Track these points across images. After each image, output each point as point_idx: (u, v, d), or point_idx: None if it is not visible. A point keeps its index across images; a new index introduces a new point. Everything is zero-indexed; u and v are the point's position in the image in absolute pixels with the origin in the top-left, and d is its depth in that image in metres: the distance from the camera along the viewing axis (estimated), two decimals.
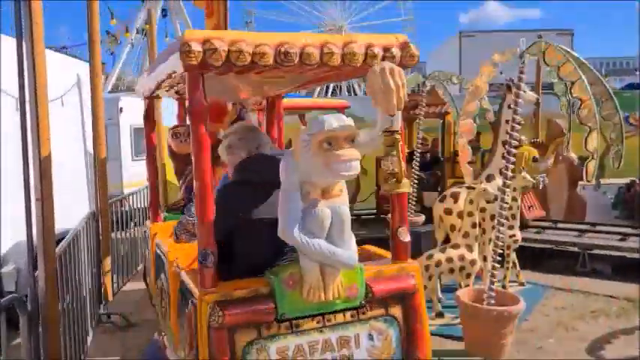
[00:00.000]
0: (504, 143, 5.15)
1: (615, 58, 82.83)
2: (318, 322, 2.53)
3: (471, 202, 5.41)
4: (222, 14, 3.52)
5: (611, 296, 6.45)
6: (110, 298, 6.11)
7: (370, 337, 2.64)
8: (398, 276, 2.73)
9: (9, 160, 5.02)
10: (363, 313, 2.62)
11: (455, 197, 6.02)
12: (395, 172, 2.59)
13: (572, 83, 3.95)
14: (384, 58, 2.51)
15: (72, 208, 6.68)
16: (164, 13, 33.26)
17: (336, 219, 2.39)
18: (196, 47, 2.21)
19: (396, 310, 2.72)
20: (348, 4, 50.52)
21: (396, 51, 2.56)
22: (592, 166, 3.93)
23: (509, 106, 5.19)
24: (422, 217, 7.24)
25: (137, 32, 28.89)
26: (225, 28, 4.33)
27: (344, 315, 2.57)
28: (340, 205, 2.42)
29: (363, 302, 2.60)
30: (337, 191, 2.43)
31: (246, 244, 2.62)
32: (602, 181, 8.39)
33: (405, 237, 2.74)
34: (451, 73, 7.30)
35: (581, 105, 3.92)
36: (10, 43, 5.25)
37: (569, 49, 4.11)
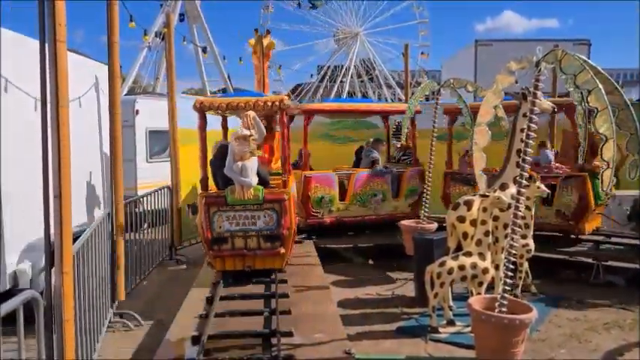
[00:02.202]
0: (519, 152, 5.14)
1: (633, 70, 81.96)
2: (242, 207, 6.32)
3: (485, 210, 5.40)
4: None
5: (624, 308, 6.39)
6: (122, 297, 6.16)
7: (264, 216, 6.35)
8: (278, 192, 6.36)
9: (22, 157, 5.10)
10: (261, 205, 6.31)
11: (468, 205, 6.00)
12: None
13: (589, 92, 3.93)
14: None
15: (87, 208, 6.77)
16: (182, 17, 33.52)
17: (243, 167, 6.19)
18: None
19: (276, 206, 6.31)
20: (362, 10, 50.70)
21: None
22: (607, 175, 3.90)
23: (524, 115, 5.18)
24: (434, 225, 7.23)
25: (155, 36, 29.12)
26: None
27: (253, 206, 6.30)
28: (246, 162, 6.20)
29: (261, 201, 6.23)
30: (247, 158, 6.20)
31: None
32: (617, 192, 8.32)
33: None
34: (466, 81, 7.29)
35: (597, 114, 3.90)
36: (21, 41, 5.39)
37: (585, 58, 4.09)
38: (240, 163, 6.18)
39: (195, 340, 4.51)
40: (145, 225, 8.23)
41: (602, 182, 4.00)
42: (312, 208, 8.81)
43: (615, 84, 4.04)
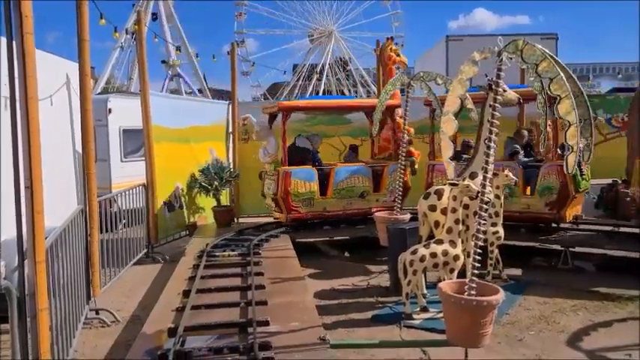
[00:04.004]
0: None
1: (602, 64, 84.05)
2: None
3: (455, 198, 5.52)
4: None
5: (591, 291, 6.59)
6: (98, 294, 6.15)
7: None
8: None
9: None
10: None
11: (439, 194, 6.15)
12: None
13: (551, 80, 4.08)
14: None
15: (60, 207, 6.72)
16: (154, 17, 33.29)
17: None
18: None
19: None
20: (335, 8, 51.05)
21: None
22: (572, 159, 4.05)
23: (490, 106, 5.32)
24: (407, 215, 7.36)
25: (127, 33, 28.85)
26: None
27: None
28: None
29: None
30: None
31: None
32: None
33: None
34: (436, 74, 7.43)
35: (560, 100, 4.04)
36: None
37: (544, 49, 4.24)
38: None
39: (172, 332, 4.55)
40: (121, 225, 8.20)
41: (566, 166, 4.15)
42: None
43: (570, 72, 4.19)
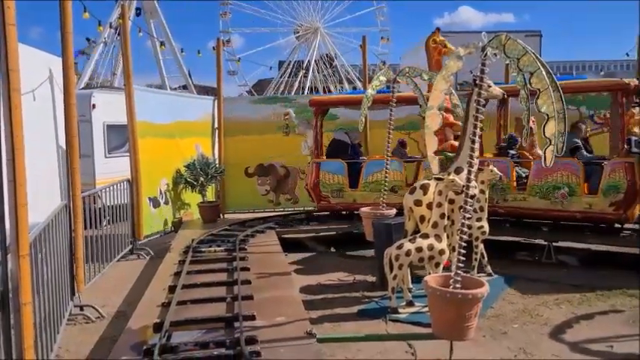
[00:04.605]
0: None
1: (585, 61, 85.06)
2: None
3: (440, 193, 5.55)
4: None
5: (574, 285, 6.68)
6: (82, 289, 6.11)
7: None
8: None
9: None
10: None
11: (424, 189, 6.18)
12: None
13: (531, 74, 4.13)
14: None
15: (42, 203, 6.65)
16: (138, 12, 32.96)
17: None
18: None
19: None
20: (320, 4, 51.10)
21: None
22: (550, 151, 4.11)
23: (475, 101, 5.36)
24: (393, 210, 7.38)
25: (110, 27, 28.54)
26: None
27: None
28: None
29: None
30: None
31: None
32: None
33: None
34: (421, 69, 7.45)
35: (539, 94, 4.10)
36: None
37: (525, 45, 4.29)
38: None
39: (158, 328, 4.53)
40: (105, 222, 8.13)
41: (544, 159, 4.20)
42: None
43: (547, 67, 4.24)
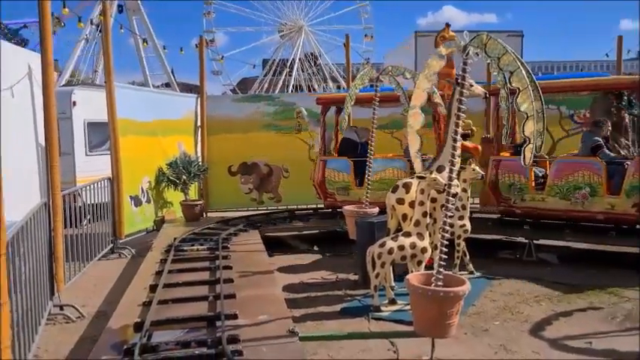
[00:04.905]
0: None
1: (565, 62, 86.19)
2: None
3: (422, 191, 5.58)
4: None
5: (554, 282, 6.76)
6: (62, 289, 6.03)
7: None
8: None
9: None
10: None
11: (407, 187, 6.20)
12: None
13: (511, 73, 4.18)
14: None
15: (20, 201, 6.56)
16: (120, 9, 32.61)
17: None
18: None
19: None
20: (304, 2, 51.11)
21: None
22: (529, 150, 4.16)
23: (457, 100, 5.39)
24: (376, 209, 7.40)
25: (91, 24, 28.21)
26: None
27: None
28: None
29: None
30: None
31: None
32: None
33: None
34: (404, 68, 7.46)
35: (519, 93, 4.14)
36: None
37: (505, 44, 4.33)
38: None
39: (138, 327, 4.49)
40: (86, 221, 8.03)
41: (523, 158, 4.24)
42: None
43: (527, 67, 4.29)
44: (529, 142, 4.16)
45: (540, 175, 8.21)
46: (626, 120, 8.60)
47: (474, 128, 7.13)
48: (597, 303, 6.01)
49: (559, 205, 7.66)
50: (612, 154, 7.74)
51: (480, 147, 8.03)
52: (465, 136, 7.41)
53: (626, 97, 8.62)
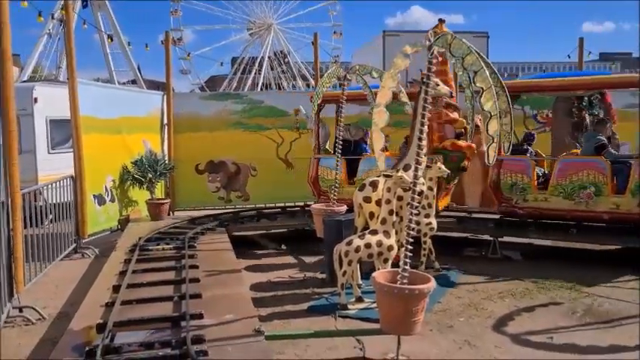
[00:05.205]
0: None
1: (530, 63, 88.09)
2: None
3: (389, 190, 5.61)
4: None
5: (518, 279, 6.90)
6: (21, 290, 5.86)
7: None
8: None
9: None
10: None
11: (374, 186, 6.24)
12: None
13: (475, 73, 4.24)
14: None
15: None
16: (85, 3, 31.90)
17: None
18: None
19: None
20: (272, 2, 50.97)
21: None
22: (493, 149, 4.23)
23: (422, 99, 5.44)
24: (344, 207, 7.43)
25: (52, 17, 27.50)
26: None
27: None
28: None
29: None
30: None
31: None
32: None
33: None
34: (371, 67, 7.50)
35: (482, 93, 4.21)
36: None
37: (470, 44, 4.39)
38: None
39: (101, 328, 4.39)
40: (47, 221, 7.82)
41: (487, 156, 4.31)
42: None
43: (493, 68, 4.37)
44: (492, 141, 4.22)
45: (540, 174, 8.21)
46: (587, 120, 8.83)
47: (467, 126, 7.02)
48: (558, 298, 6.16)
49: (563, 205, 7.60)
50: (617, 153, 7.72)
51: (474, 146, 7.68)
52: (459, 135, 7.49)
53: (586, 98, 8.86)
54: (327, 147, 9.78)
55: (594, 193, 7.36)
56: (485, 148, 8.22)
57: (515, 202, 7.95)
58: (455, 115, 7.36)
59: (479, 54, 4.32)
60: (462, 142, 7.30)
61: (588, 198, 7.37)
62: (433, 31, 8.76)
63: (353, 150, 9.55)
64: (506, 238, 8.30)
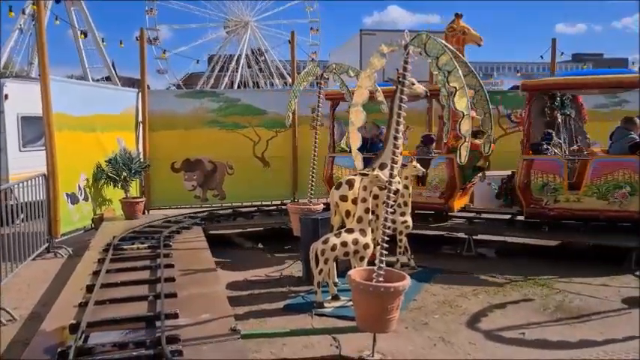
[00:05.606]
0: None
1: (504, 62, 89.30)
2: None
3: (365, 188, 5.65)
4: None
5: (491, 276, 7.01)
6: None
7: None
8: None
9: None
10: None
11: (350, 184, 6.27)
12: None
13: (449, 73, 4.29)
14: None
15: None
16: None
17: None
18: None
19: None
20: (248, 2, 50.81)
21: None
22: (465, 149, 4.29)
23: (398, 98, 5.49)
24: (320, 206, 7.46)
25: (23, 13, 26.97)
26: None
27: None
28: None
29: None
30: None
31: None
32: (487, 172, 9.04)
33: None
34: (348, 66, 7.53)
35: (456, 92, 4.27)
36: None
37: (445, 43, 4.45)
38: None
39: (73, 329, 4.33)
40: (19, 220, 7.68)
41: (460, 155, 4.37)
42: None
43: (471, 67, 4.42)
44: (465, 141, 4.28)
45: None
46: (559, 119, 8.99)
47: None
48: (530, 295, 6.27)
49: (595, 205, 7.52)
50: None
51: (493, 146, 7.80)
52: (475, 134, 7.20)
53: (558, 98, 9.03)
54: (342, 145, 9.75)
55: (629, 192, 7.34)
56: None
57: (545, 203, 7.82)
58: (472, 113, 7.31)
59: (453, 54, 4.38)
60: (477, 141, 7.16)
61: (623, 198, 7.35)
62: (450, 27, 8.68)
63: (368, 148, 9.45)
64: (480, 236, 8.43)
